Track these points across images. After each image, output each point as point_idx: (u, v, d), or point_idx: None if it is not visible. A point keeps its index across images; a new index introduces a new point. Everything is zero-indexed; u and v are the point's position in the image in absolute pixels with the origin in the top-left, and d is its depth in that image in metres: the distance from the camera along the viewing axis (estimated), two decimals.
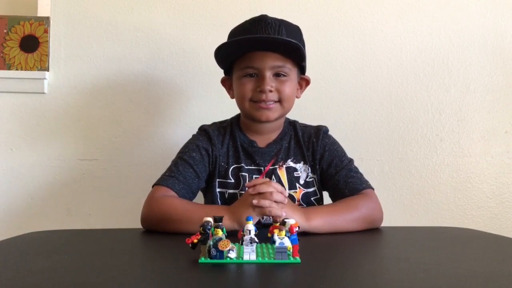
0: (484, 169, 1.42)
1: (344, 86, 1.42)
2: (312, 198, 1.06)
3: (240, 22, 1.06)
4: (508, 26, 1.44)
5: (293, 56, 1.02)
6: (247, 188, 0.90)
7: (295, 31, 1.05)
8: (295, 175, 1.06)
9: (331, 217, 0.92)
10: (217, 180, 1.06)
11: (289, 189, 1.04)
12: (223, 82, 1.13)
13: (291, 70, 1.03)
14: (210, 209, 0.93)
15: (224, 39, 1.05)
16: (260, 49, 1.00)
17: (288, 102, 1.05)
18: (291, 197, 1.03)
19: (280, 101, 1.03)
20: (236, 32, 1.05)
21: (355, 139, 1.41)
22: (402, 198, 1.42)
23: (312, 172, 1.08)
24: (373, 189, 1.05)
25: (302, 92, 1.13)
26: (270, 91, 1.00)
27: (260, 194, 0.87)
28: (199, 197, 1.08)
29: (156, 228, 0.92)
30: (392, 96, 1.43)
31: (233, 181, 1.05)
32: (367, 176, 1.08)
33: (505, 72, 1.44)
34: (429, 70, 1.43)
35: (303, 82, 1.11)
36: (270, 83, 1.00)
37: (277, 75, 1.02)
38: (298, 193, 1.05)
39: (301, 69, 1.08)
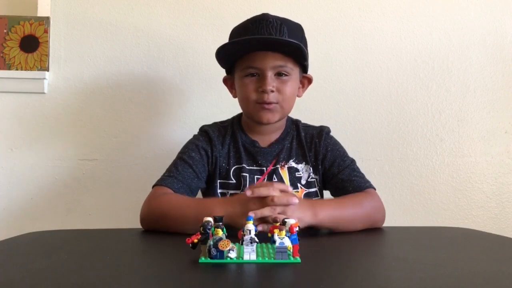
0: (484, 169, 1.42)
1: (344, 86, 1.42)
2: (313, 198, 1.06)
3: (240, 22, 1.06)
4: (508, 26, 1.44)
5: (294, 55, 1.01)
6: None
7: (297, 29, 1.05)
8: (297, 175, 1.06)
9: (336, 211, 0.90)
10: (218, 181, 1.06)
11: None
12: (225, 81, 1.13)
13: (292, 70, 1.03)
14: (205, 203, 0.91)
15: (224, 39, 1.05)
16: (261, 49, 0.99)
17: (289, 103, 1.04)
18: None
19: (281, 101, 1.02)
20: (237, 31, 1.05)
21: (355, 139, 1.40)
22: (402, 198, 1.42)
23: (314, 173, 1.08)
24: (375, 189, 1.05)
25: (304, 91, 1.12)
26: (272, 91, 1.00)
27: (261, 200, 0.81)
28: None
29: (155, 226, 0.91)
30: (392, 96, 1.43)
31: (234, 181, 1.05)
32: (367, 176, 1.08)
33: (505, 72, 1.44)
34: (429, 70, 1.43)
35: (305, 80, 1.11)
36: (271, 83, 1.00)
37: (278, 74, 1.01)
38: (300, 193, 1.05)
39: (303, 67, 1.08)
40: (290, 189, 0.88)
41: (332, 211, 0.90)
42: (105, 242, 0.83)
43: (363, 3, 1.43)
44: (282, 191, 0.83)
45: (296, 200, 0.81)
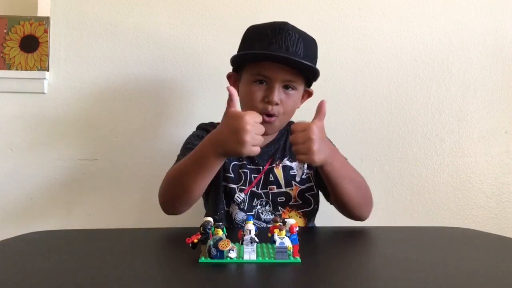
0: (484, 169, 1.42)
1: (344, 86, 1.42)
2: (307, 194, 1.08)
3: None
4: (508, 26, 1.44)
5: (306, 75, 1.04)
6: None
7: (312, 45, 1.07)
8: (291, 173, 1.08)
9: (346, 164, 1.00)
10: (222, 174, 1.07)
11: (286, 187, 1.07)
12: (229, 77, 1.13)
13: (300, 86, 1.05)
14: (197, 149, 0.92)
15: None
16: (276, 61, 1.00)
17: (287, 117, 1.07)
18: (287, 195, 1.07)
19: (280, 115, 1.04)
20: (255, 34, 1.05)
21: (355, 139, 1.40)
22: (402, 198, 1.42)
23: (309, 167, 1.10)
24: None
25: (303, 103, 1.14)
26: (277, 104, 1.02)
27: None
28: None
29: (171, 196, 0.94)
30: (392, 96, 1.43)
31: (233, 175, 1.07)
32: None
33: (505, 72, 1.44)
34: (429, 70, 1.43)
35: (306, 93, 1.13)
36: (278, 95, 1.01)
37: (285, 87, 1.03)
38: (295, 190, 1.07)
39: (308, 83, 1.10)
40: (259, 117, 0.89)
41: (344, 162, 1.00)
42: (105, 242, 0.83)
43: (363, 3, 1.43)
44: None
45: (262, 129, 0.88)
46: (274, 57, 0.99)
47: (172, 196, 0.94)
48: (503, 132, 1.43)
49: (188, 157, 0.92)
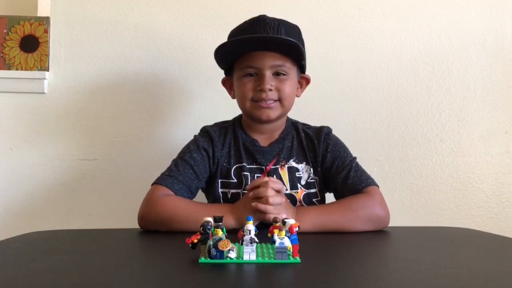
0: (484, 169, 1.42)
1: (344, 86, 1.42)
2: (314, 200, 1.06)
3: (240, 22, 1.06)
4: (508, 26, 1.44)
5: (292, 55, 1.02)
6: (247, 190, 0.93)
7: (294, 30, 1.06)
8: (297, 175, 1.06)
9: (320, 218, 0.93)
10: (219, 180, 1.06)
11: (291, 189, 1.04)
12: (224, 82, 1.13)
13: (290, 69, 1.04)
14: (213, 208, 0.95)
15: (224, 39, 1.06)
16: (259, 49, 1.00)
17: (288, 101, 1.05)
18: (292, 198, 1.03)
19: (280, 100, 1.03)
20: (235, 33, 1.05)
21: (355, 139, 1.40)
22: (402, 198, 1.42)
23: (314, 173, 1.07)
24: (375, 185, 1.03)
25: (303, 91, 1.13)
26: (270, 90, 1.01)
27: (259, 198, 0.89)
28: (200, 198, 1.08)
29: (157, 227, 0.92)
30: (392, 96, 1.43)
31: (235, 180, 1.05)
32: None
33: (505, 72, 1.44)
34: (429, 70, 1.43)
35: (303, 81, 1.11)
36: (270, 82, 1.01)
37: (277, 74, 1.02)
38: (300, 193, 1.04)
39: (301, 68, 1.08)
40: (284, 189, 0.94)
41: (315, 218, 0.93)
42: (105, 242, 0.83)
43: (363, 3, 1.43)
44: (277, 191, 0.90)
45: (283, 200, 0.91)
46: (251, 40, 0.98)
47: (163, 226, 0.91)
48: (503, 132, 1.43)
49: (205, 210, 0.93)
